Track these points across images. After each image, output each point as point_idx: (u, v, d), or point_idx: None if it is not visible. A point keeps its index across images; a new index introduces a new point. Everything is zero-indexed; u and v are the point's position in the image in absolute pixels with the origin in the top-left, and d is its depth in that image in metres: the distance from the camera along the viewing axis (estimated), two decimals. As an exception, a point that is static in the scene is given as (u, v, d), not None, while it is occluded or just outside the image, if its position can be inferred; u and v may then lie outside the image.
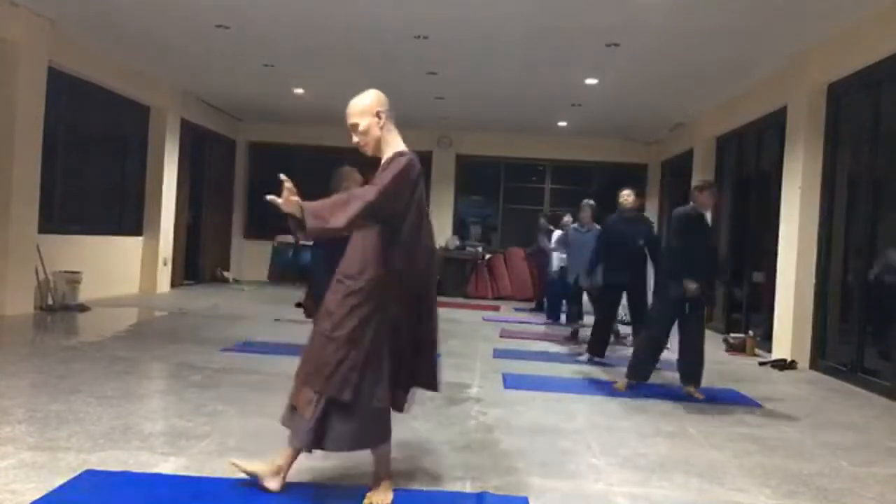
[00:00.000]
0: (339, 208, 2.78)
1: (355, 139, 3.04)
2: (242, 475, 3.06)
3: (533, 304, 12.38)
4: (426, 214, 3.09)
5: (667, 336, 5.75)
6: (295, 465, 3.17)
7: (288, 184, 2.79)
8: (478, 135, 14.47)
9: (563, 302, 10.02)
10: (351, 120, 3.03)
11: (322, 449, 2.96)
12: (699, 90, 9.77)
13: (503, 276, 14.05)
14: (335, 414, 2.88)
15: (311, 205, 2.78)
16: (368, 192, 2.84)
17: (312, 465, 3.33)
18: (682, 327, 5.68)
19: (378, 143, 3.04)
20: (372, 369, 2.90)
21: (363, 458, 3.24)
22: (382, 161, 3.02)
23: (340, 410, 2.87)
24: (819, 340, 7.27)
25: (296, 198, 2.78)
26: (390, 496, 3.01)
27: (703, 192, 5.73)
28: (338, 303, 2.93)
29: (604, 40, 7.75)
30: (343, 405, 2.86)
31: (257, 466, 3.04)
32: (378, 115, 3.02)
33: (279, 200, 2.77)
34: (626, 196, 7.08)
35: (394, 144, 3.04)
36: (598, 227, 8.09)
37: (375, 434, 2.97)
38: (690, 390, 5.54)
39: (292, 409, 2.98)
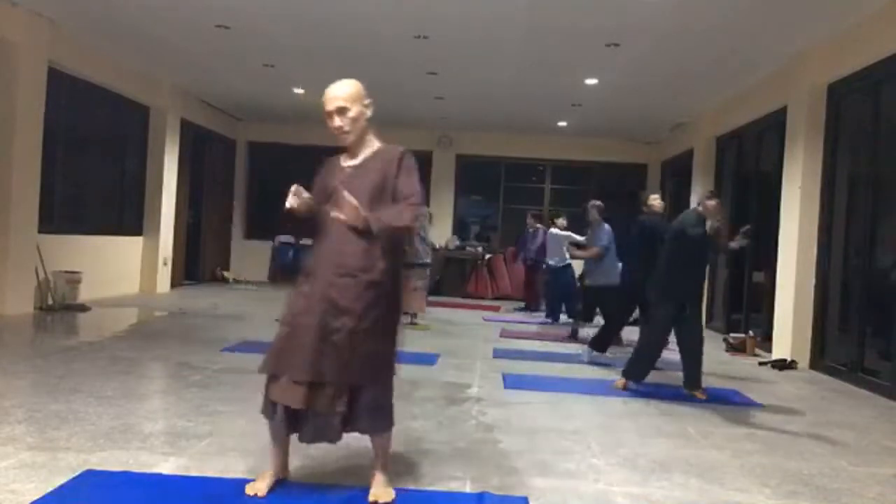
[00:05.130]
0: (400, 211, 2.91)
1: (338, 123, 2.99)
2: (248, 477, 3.06)
3: (523, 304, 12.36)
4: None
5: (666, 338, 5.80)
6: (294, 465, 3.19)
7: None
8: (478, 135, 14.47)
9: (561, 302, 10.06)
10: (338, 103, 2.98)
11: (351, 431, 2.96)
12: (699, 90, 9.78)
13: (503, 277, 14.05)
14: (362, 400, 2.90)
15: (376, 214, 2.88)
16: (416, 197, 2.97)
17: (312, 464, 3.34)
18: (680, 331, 5.70)
19: (362, 134, 3.07)
20: (392, 354, 3.00)
21: (362, 457, 3.24)
22: (367, 153, 3.07)
23: (368, 395, 2.91)
24: (819, 340, 7.27)
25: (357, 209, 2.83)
26: (392, 491, 3.01)
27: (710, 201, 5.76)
28: (354, 298, 2.89)
29: (604, 40, 7.76)
30: (372, 390, 2.91)
31: (271, 475, 3.04)
32: (366, 105, 3.07)
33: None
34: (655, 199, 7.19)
35: (374, 139, 3.12)
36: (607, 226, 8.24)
37: (391, 416, 3.04)
38: (693, 392, 5.54)
39: (318, 416, 2.90)
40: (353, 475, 3.20)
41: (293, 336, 2.90)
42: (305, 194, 2.96)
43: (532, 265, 11.67)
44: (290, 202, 2.93)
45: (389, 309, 2.99)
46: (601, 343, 7.07)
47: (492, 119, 13.07)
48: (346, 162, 3.09)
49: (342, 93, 2.99)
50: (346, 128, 3.00)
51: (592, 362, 6.96)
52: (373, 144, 3.11)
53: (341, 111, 2.98)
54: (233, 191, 14.73)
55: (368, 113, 3.06)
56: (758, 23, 6.91)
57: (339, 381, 2.86)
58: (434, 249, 11.53)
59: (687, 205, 11.32)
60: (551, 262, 9.89)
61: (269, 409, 2.96)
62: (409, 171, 3.02)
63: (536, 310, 11.64)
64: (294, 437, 3.03)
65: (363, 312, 2.88)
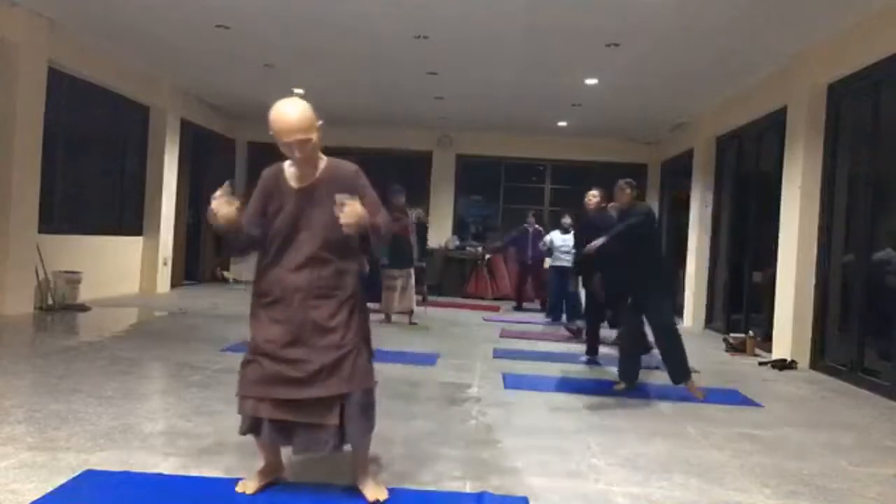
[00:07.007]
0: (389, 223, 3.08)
1: (299, 155, 2.88)
2: (241, 477, 3.09)
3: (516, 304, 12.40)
4: None
5: (629, 335, 5.80)
6: (288, 464, 3.19)
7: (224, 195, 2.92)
8: (478, 135, 14.46)
9: (563, 301, 10.04)
10: (301, 136, 2.84)
11: (346, 443, 2.98)
12: (699, 90, 9.77)
13: (503, 277, 14.05)
14: (350, 409, 2.91)
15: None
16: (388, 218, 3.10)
17: (306, 463, 3.34)
18: (650, 325, 5.70)
19: (317, 155, 3.01)
20: (371, 359, 3.06)
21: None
22: (317, 174, 2.98)
23: (355, 404, 2.92)
24: (819, 340, 7.26)
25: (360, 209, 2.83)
26: (385, 489, 3.04)
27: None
28: (333, 314, 2.92)
29: (604, 40, 7.75)
30: (359, 398, 2.93)
31: (263, 476, 3.06)
32: (319, 127, 2.95)
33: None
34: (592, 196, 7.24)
35: (321, 154, 3.04)
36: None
37: (374, 419, 3.06)
38: (691, 389, 5.51)
39: (310, 428, 2.90)
40: (346, 474, 3.19)
41: (275, 361, 2.91)
42: (234, 200, 2.95)
43: (532, 265, 11.69)
44: (216, 205, 2.91)
45: (363, 318, 3.05)
46: (588, 347, 7.14)
47: (492, 119, 13.06)
48: (297, 183, 2.98)
49: (300, 122, 2.84)
50: (305, 157, 2.91)
51: (591, 363, 6.97)
52: (322, 161, 3.02)
53: (303, 144, 2.86)
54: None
55: (321, 133, 2.93)
56: (758, 23, 6.91)
57: (333, 394, 2.89)
58: (428, 253, 11.67)
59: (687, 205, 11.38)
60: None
61: (252, 426, 2.96)
62: (368, 190, 3.02)
63: (522, 308, 11.88)
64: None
65: (346, 326, 2.94)
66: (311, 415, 2.89)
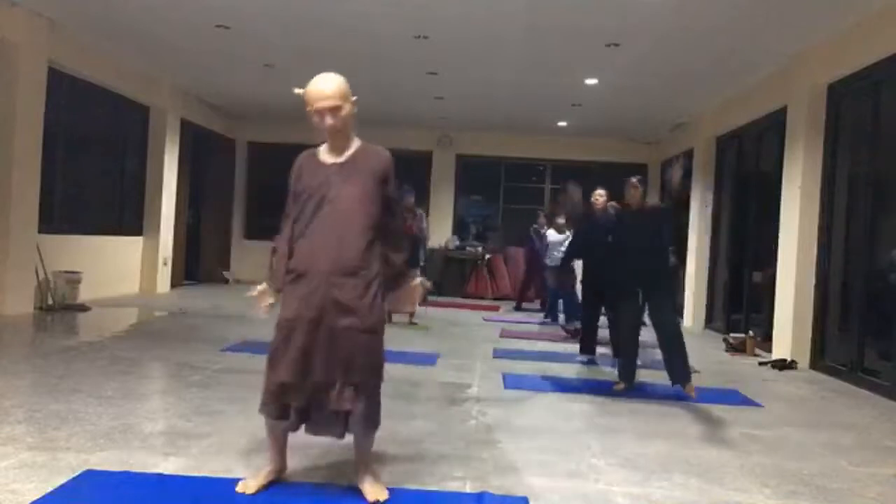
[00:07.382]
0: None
1: (330, 122, 2.93)
2: (242, 477, 3.10)
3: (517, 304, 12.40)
4: None
5: (629, 335, 5.76)
6: (292, 465, 3.19)
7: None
8: (478, 135, 14.46)
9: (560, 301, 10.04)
10: (333, 102, 2.92)
11: (349, 432, 3.00)
12: (699, 90, 9.77)
13: (503, 277, 14.04)
14: (360, 398, 2.92)
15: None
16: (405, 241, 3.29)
17: (306, 463, 3.34)
18: (653, 323, 5.68)
19: (349, 131, 3.05)
20: (384, 351, 3.07)
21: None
22: (351, 151, 3.05)
23: (366, 394, 2.94)
24: (819, 340, 7.26)
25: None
26: (385, 489, 3.04)
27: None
28: (359, 296, 2.92)
29: (604, 40, 7.76)
30: (369, 389, 2.95)
31: (265, 475, 3.06)
32: (354, 101, 3.02)
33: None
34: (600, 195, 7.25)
35: (354, 135, 3.10)
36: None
37: (380, 415, 3.06)
38: (687, 388, 5.49)
39: (333, 415, 2.94)
40: (346, 474, 3.19)
41: (297, 341, 2.91)
42: (268, 298, 3.15)
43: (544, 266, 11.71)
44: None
45: (382, 307, 3.05)
46: (583, 345, 7.14)
47: (492, 119, 13.06)
48: (330, 159, 3.04)
49: (334, 90, 2.93)
50: (339, 126, 2.98)
51: (590, 362, 6.96)
52: (355, 141, 3.09)
53: (335, 111, 2.94)
54: (233, 191, 14.72)
55: (355, 109, 3.03)
56: (758, 23, 6.91)
57: (349, 380, 2.90)
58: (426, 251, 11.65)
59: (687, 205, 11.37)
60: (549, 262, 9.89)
61: (277, 410, 2.96)
62: (392, 181, 3.09)
63: (521, 308, 11.94)
64: (291, 435, 3.09)
65: (368, 311, 2.94)
66: (330, 400, 2.91)
